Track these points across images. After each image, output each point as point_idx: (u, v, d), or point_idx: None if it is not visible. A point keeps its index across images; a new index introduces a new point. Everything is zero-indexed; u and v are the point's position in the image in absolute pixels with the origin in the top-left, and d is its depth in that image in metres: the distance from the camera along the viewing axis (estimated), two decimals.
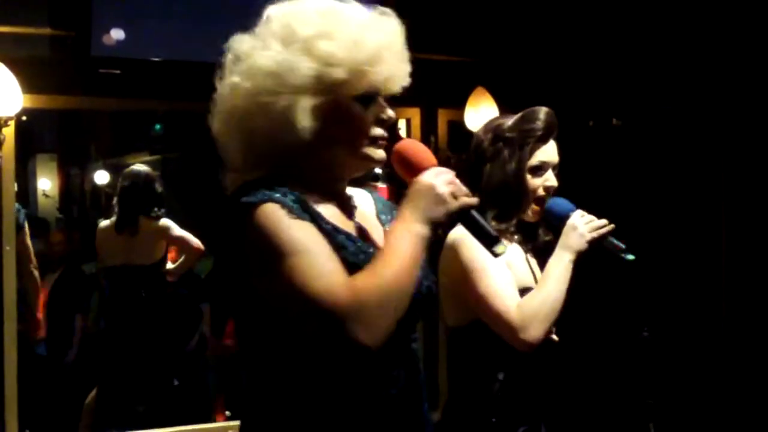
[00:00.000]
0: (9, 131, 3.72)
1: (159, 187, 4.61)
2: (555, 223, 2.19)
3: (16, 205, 3.89)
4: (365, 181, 1.74)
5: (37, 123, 5.03)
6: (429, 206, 1.48)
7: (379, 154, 1.56)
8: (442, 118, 4.60)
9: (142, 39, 3.93)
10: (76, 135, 5.97)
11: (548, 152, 2.22)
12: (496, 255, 1.57)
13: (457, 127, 4.53)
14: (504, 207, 2.19)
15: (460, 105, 4.47)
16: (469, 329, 2.17)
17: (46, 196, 5.84)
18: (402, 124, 4.47)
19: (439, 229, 1.54)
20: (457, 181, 1.52)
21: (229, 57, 1.54)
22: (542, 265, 2.19)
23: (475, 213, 1.55)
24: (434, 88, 4.26)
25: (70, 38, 3.90)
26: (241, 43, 1.54)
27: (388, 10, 1.55)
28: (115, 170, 5.71)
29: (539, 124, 2.20)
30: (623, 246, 2.13)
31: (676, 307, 4.39)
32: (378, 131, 1.55)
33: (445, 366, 3.79)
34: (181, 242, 4.62)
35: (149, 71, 4.00)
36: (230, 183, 1.57)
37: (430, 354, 4.07)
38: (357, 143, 1.54)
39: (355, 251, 1.49)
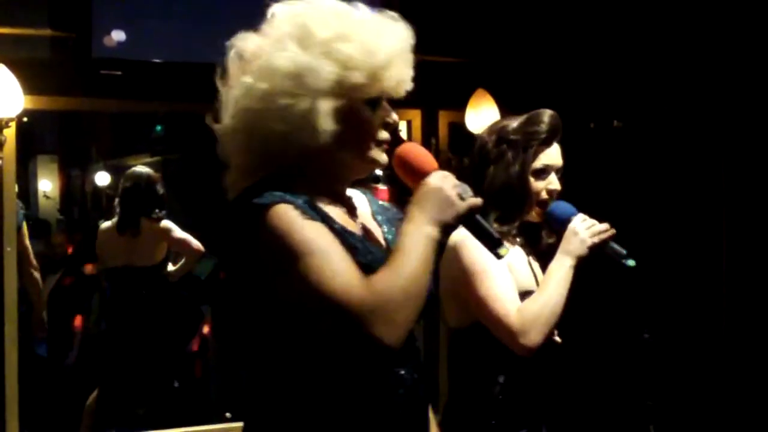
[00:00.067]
0: (10, 132, 3.72)
1: (161, 189, 4.61)
2: (556, 227, 2.19)
3: (19, 202, 3.90)
4: (366, 182, 1.74)
5: (38, 124, 5.05)
6: (439, 209, 1.49)
7: (384, 157, 1.58)
8: (443, 119, 4.60)
9: (142, 40, 3.94)
10: (76, 136, 5.98)
11: (552, 155, 2.22)
12: (499, 257, 1.58)
13: (458, 128, 4.53)
14: (507, 209, 2.19)
15: (461, 107, 4.47)
16: (469, 331, 2.17)
17: (47, 197, 5.85)
18: (403, 126, 4.47)
19: (451, 232, 1.54)
20: (463, 183, 1.54)
21: (233, 55, 1.54)
22: (544, 267, 2.19)
23: (477, 215, 1.56)
24: (435, 89, 4.25)
25: (70, 39, 3.91)
26: (246, 41, 1.54)
27: (396, 14, 1.56)
28: (115, 171, 5.72)
29: (543, 127, 2.19)
30: (624, 252, 2.13)
31: (677, 309, 4.39)
32: (384, 135, 1.57)
33: (446, 367, 3.80)
34: (181, 244, 4.62)
35: (150, 72, 4.00)
36: (231, 184, 1.56)
37: (430, 354, 4.07)
38: (365, 146, 1.55)
39: (365, 252, 1.50)
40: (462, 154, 4.40)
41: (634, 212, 4.36)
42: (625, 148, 4.66)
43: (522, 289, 2.14)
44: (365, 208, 1.69)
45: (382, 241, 1.65)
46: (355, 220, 1.61)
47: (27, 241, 3.98)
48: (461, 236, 2.06)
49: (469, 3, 4.58)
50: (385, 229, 1.68)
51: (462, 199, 1.51)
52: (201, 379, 5.16)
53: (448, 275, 2.15)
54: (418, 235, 1.46)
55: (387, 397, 1.51)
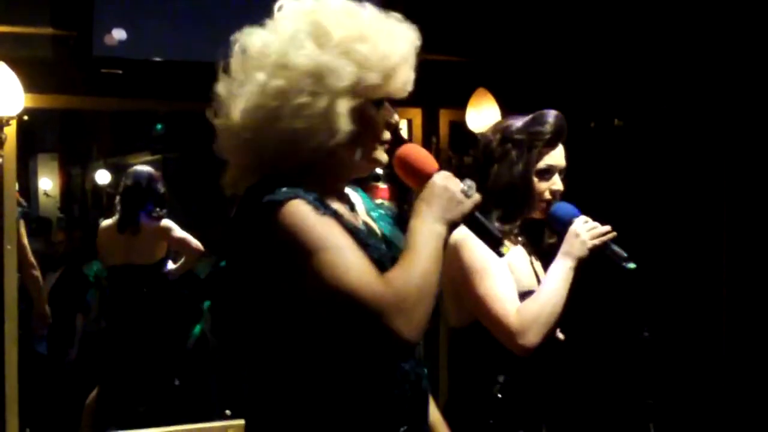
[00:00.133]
0: (10, 131, 3.72)
1: (162, 188, 4.62)
2: (558, 228, 2.20)
3: (22, 201, 3.90)
4: (367, 181, 1.76)
5: (39, 123, 5.04)
6: (447, 207, 1.51)
7: (385, 156, 1.60)
8: (444, 118, 4.60)
9: (143, 39, 3.93)
10: (77, 135, 5.97)
11: (556, 156, 2.22)
12: (500, 255, 1.61)
13: (459, 127, 4.53)
14: (509, 208, 2.19)
15: (462, 105, 4.47)
16: (469, 330, 2.17)
17: (48, 195, 5.85)
18: (404, 125, 4.47)
19: (454, 230, 1.56)
20: (468, 179, 1.56)
21: (238, 50, 1.53)
22: (546, 267, 2.19)
23: (477, 213, 1.58)
24: (436, 88, 4.25)
25: (71, 38, 3.91)
26: (252, 36, 1.53)
27: (400, 15, 1.57)
28: (116, 170, 5.72)
29: (548, 127, 2.20)
30: (625, 255, 2.13)
31: (677, 307, 4.39)
32: (387, 135, 1.59)
33: (446, 366, 3.80)
34: (181, 243, 4.63)
35: (151, 71, 4.00)
36: (232, 182, 1.56)
37: (431, 353, 4.07)
38: (371, 146, 1.56)
39: (373, 248, 1.51)
40: (463, 153, 4.40)
41: (635, 211, 4.36)
42: (626, 147, 4.66)
43: (523, 288, 2.14)
44: (360, 206, 1.71)
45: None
46: (356, 218, 1.63)
47: (25, 240, 3.96)
48: (461, 235, 2.06)
49: (470, 2, 4.58)
50: (382, 226, 1.69)
51: (468, 196, 1.53)
52: (201, 376, 5.16)
53: (447, 274, 2.15)
54: (428, 233, 1.48)
55: (393, 392, 1.52)
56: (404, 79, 1.55)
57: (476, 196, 1.56)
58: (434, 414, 1.76)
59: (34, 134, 5.42)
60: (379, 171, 2.23)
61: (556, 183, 2.22)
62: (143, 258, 4.58)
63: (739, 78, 4.21)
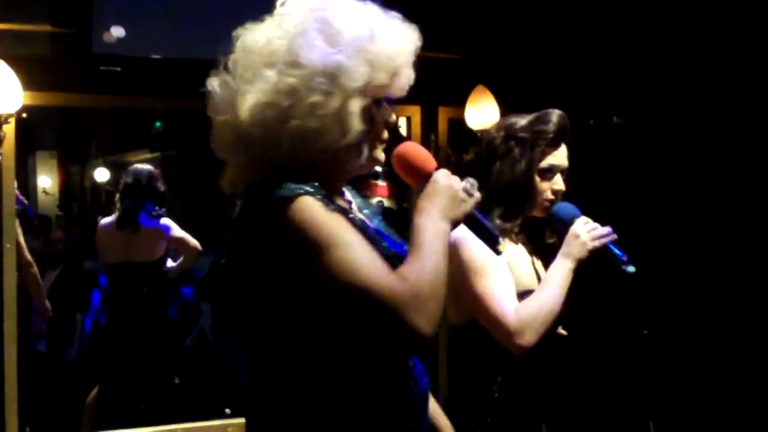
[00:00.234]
0: (9, 128, 3.71)
1: (161, 186, 4.62)
2: (559, 228, 2.19)
3: (24, 200, 3.89)
4: (366, 179, 1.76)
5: (38, 120, 5.05)
6: (450, 206, 1.52)
7: (383, 156, 1.60)
8: (443, 116, 4.59)
9: (142, 36, 3.93)
10: (76, 132, 5.98)
11: (558, 156, 2.22)
12: (498, 253, 1.63)
13: (458, 125, 4.52)
14: (510, 206, 2.19)
15: (461, 103, 4.47)
16: (468, 329, 2.17)
17: (46, 193, 5.86)
18: (403, 122, 4.47)
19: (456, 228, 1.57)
20: (470, 178, 1.57)
21: (240, 46, 1.52)
22: (547, 267, 2.19)
23: (476, 211, 1.59)
24: (435, 86, 4.25)
25: (70, 35, 3.90)
26: (255, 32, 1.52)
27: (399, 15, 1.57)
28: (115, 168, 5.73)
29: (552, 126, 2.20)
30: (625, 258, 2.12)
31: (677, 305, 4.39)
32: (386, 134, 1.59)
33: (445, 363, 3.80)
34: (180, 242, 4.63)
35: (149, 69, 3.99)
36: (233, 180, 1.55)
37: (431, 351, 4.06)
38: (372, 145, 1.56)
39: (379, 244, 1.51)
40: (462, 150, 4.40)
41: (634, 208, 4.36)
42: (625, 145, 4.66)
43: (523, 287, 2.14)
44: (354, 204, 1.71)
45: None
46: (357, 215, 1.63)
47: (21, 238, 3.93)
48: (460, 233, 2.06)
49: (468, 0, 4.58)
50: (375, 223, 1.69)
51: (470, 195, 1.55)
52: (201, 375, 5.17)
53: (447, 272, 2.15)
54: (435, 230, 1.48)
55: (399, 389, 1.52)
56: (407, 79, 1.56)
57: (477, 195, 1.57)
58: (434, 408, 1.77)
59: (33, 132, 5.43)
60: (378, 169, 2.23)
61: (558, 183, 2.22)
62: (142, 256, 4.58)
63: (739, 77, 4.20)
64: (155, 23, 3.92)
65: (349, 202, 1.65)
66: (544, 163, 2.20)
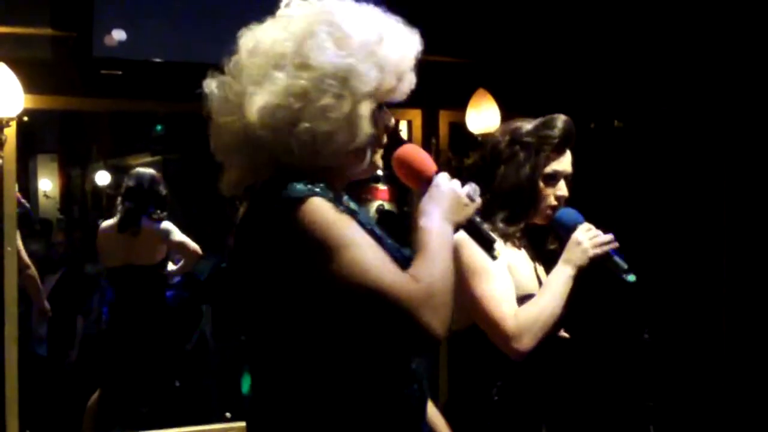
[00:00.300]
0: (10, 132, 3.71)
1: (163, 190, 4.62)
2: (562, 234, 2.20)
3: (26, 203, 3.88)
4: (368, 182, 1.77)
5: (39, 124, 5.04)
6: (454, 210, 1.54)
7: (381, 161, 1.60)
8: (444, 119, 4.59)
9: (143, 40, 3.93)
10: (77, 136, 5.98)
11: (563, 162, 2.22)
12: (494, 258, 1.65)
13: (459, 128, 4.52)
14: (514, 210, 2.19)
15: (462, 107, 4.47)
16: (468, 333, 2.17)
17: (47, 196, 5.85)
18: (404, 126, 4.47)
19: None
20: (472, 183, 1.59)
21: (244, 48, 1.51)
22: (549, 272, 2.19)
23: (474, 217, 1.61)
24: (436, 89, 4.25)
25: (71, 39, 3.90)
26: (260, 33, 1.51)
27: (400, 18, 1.57)
28: (115, 171, 5.73)
29: (557, 132, 2.20)
30: (626, 266, 2.12)
31: (677, 309, 4.38)
32: (385, 138, 1.59)
33: (446, 366, 3.80)
34: (180, 246, 4.63)
35: (150, 72, 3.99)
36: (235, 182, 1.54)
37: (431, 354, 4.06)
38: (374, 149, 1.56)
39: (384, 245, 1.50)
40: (462, 154, 4.40)
41: (635, 212, 4.36)
42: (626, 148, 4.66)
43: (523, 291, 2.14)
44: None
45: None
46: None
47: (18, 241, 3.92)
48: (460, 237, 2.06)
49: (469, 3, 4.58)
50: (371, 226, 1.69)
51: (472, 200, 1.56)
52: (201, 378, 5.16)
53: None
54: (440, 232, 1.49)
55: (402, 392, 1.52)
56: (409, 83, 1.56)
57: (479, 200, 1.58)
58: (432, 410, 1.77)
59: (34, 135, 5.42)
60: (379, 172, 2.23)
61: (562, 189, 2.22)
62: (143, 259, 4.58)
63: (739, 79, 4.20)
64: (156, 26, 3.92)
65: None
66: (549, 169, 2.20)
